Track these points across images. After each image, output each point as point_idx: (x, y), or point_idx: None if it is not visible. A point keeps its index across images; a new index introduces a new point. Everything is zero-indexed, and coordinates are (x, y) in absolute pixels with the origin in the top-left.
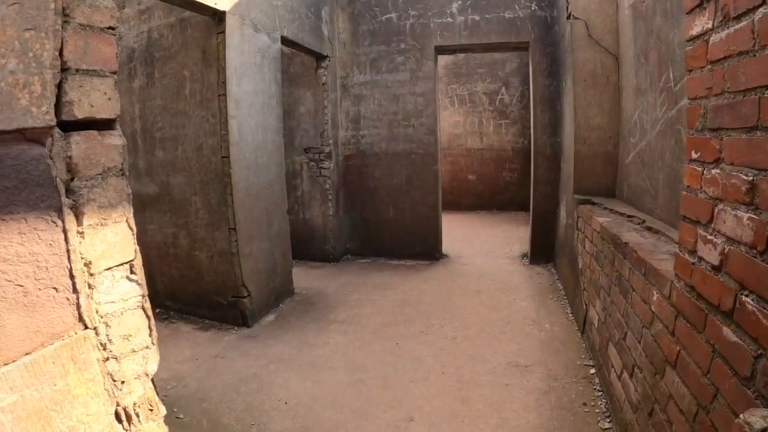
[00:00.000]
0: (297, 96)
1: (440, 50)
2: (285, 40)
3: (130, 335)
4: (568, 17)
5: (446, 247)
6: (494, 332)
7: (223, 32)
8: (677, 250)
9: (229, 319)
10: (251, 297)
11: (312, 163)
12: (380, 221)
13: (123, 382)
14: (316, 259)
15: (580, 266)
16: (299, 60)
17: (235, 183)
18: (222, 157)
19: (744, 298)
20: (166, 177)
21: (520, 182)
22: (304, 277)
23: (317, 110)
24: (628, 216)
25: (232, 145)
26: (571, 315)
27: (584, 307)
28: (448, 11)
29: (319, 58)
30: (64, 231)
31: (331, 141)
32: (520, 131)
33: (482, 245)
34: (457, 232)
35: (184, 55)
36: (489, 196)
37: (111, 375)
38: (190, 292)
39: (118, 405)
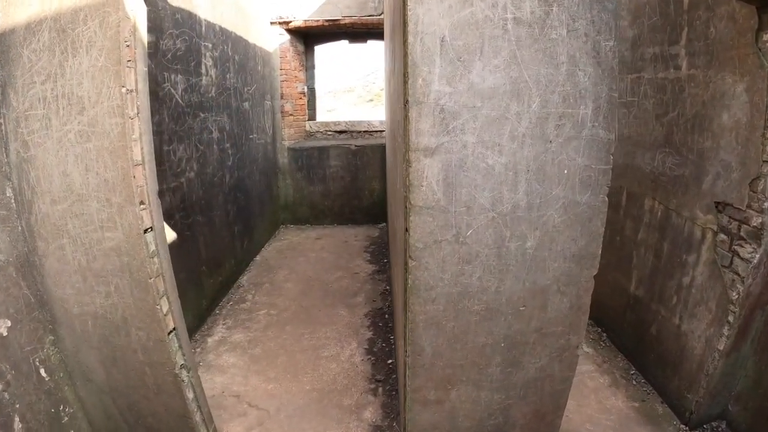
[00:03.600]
0: (718, 90)
1: None
2: None
3: None
4: None
5: None
6: None
7: None
8: None
9: None
10: None
11: (722, 235)
12: None
13: None
14: (665, 393)
15: None
16: (725, 10)
17: (415, 313)
18: (407, 259)
19: None
20: None
21: None
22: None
23: (753, 126)
24: None
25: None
26: None
27: None
28: None
29: (763, 7)
30: None
31: None
32: None
33: None
34: None
35: None
36: None
37: None
38: None
39: None
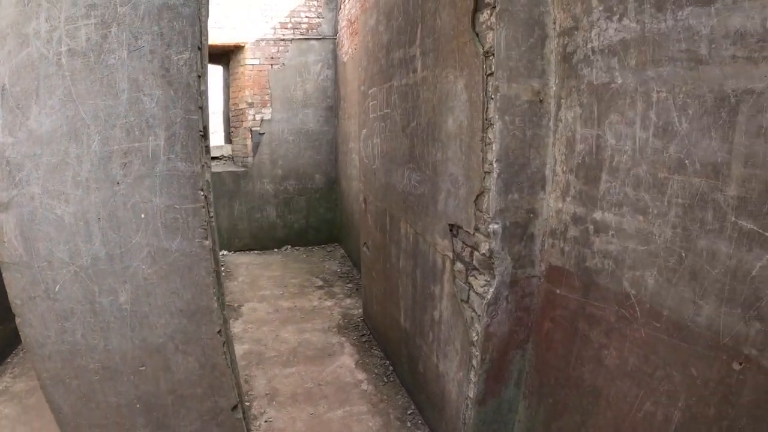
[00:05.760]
0: (443, 90)
1: None
2: None
3: None
4: None
5: None
6: None
7: None
8: None
9: None
10: None
11: (459, 264)
12: None
13: None
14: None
15: None
16: None
17: None
18: None
19: None
20: None
21: None
22: None
23: (473, 129)
24: None
25: None
26: None
27: None
28: None
29: None
30: None
31: (498, 223)
32: None
33: None
34: None
35: None
36: None
37: None
38: None
39: None
